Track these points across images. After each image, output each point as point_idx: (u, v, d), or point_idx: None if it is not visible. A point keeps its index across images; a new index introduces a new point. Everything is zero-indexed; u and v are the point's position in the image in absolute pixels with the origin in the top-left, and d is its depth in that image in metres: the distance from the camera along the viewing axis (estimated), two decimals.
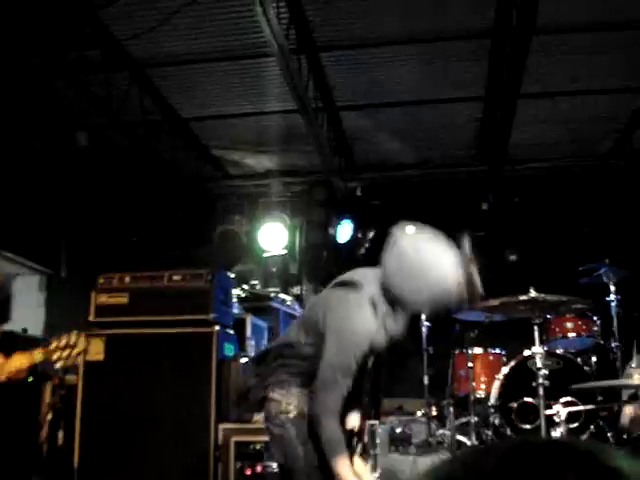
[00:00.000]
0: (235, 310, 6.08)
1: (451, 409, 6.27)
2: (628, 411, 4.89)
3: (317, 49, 6.42)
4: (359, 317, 2.98)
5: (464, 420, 6.44)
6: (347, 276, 3.22)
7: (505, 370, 6.27)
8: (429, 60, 6.62)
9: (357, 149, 8.46)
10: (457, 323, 6.89)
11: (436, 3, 5.81)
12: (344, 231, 8.50)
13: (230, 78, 6.87)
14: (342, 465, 2.91)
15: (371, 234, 8.63)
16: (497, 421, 6.19)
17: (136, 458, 5.17)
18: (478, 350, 6.71)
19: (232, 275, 6.43)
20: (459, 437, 6.23)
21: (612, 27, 6.10)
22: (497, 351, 6.80)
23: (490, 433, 6.25)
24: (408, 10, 5.89)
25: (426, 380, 6.87)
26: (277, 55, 5.83)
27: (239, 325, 5.95)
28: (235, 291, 6.43)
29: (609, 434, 5.89)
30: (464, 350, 6.64)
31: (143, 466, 5.14)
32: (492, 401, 6.26)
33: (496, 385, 6.29)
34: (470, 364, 6.50)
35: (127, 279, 5.57)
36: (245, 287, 7.13)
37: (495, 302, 4.96)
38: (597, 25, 6.08)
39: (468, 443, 6.25)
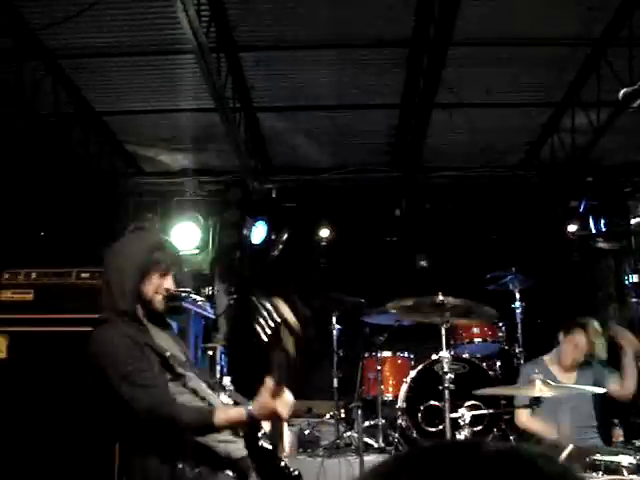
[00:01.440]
0: None
1: (359, 411, 6.35)
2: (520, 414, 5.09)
3: (237, 49, 6.39)
4: (111, 344, 3.05)
5: (372, 422, 6.53)
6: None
7: (413, 374, 6.39)
8: (348, 65, 6.69)
9: (274, 151, 8.46)
10: (367, 327, 6.98)
11: (357, 10, 5.88)
12: (258, 232, 8.48)
13: (147, 73, 6.76)
14: (220, 413, 2.91)
15: (285, 236, 8.65)
16: (404, 423, 6.30)
17: (39, 458, 5.02)
18: (387, 354, 6.81)
19: None
20: (367, 439, 6.31)
21: (525, 43, 6.30)
22: (405, 355, 6.93)
23: (397, 435, 6.35)
24: (329, 15, 5.93)
25: (335, 383, 6.93)
26: (196, 52, 5.77)
27: None
28: None
29: (511, 437, 6.07)
30: (373, 353, 6.73)
31: (45, 465, 5.00)
32: (399, 404, 6.37)
33: (404, 388, 6.40)
34: (379, 367, 6.59)
35: (33, 275, 5.41)
36: None
37: (408, 302, 5.04)
38: (511, 40, 6.27)
39: (375, 445, 6.34)
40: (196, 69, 6.21)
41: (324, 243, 8.82)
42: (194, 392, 3.14)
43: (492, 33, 6.16)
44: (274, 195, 8.70)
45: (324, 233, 8.79)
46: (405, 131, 7.72)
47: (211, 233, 8.75)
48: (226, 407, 3.12)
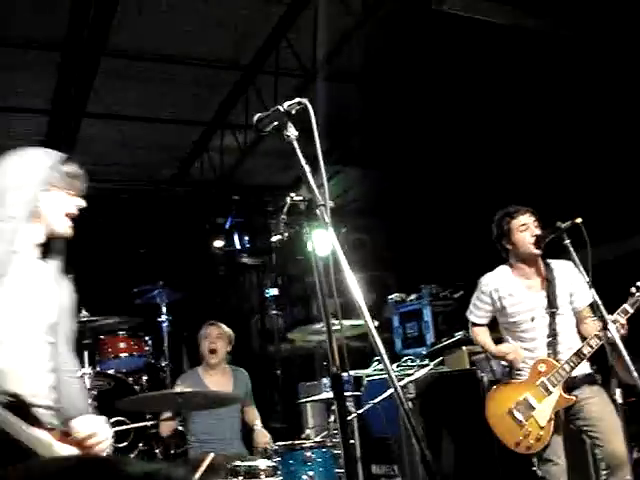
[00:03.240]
0: None
1: None
2: (165, 426, 5.21)
3: None
4: None
5: None
6: None
7: None
8: None
9: None
10: None
11: (5, 5, 5.49)
12: None
13: None
14: None
15: None
16: None
17: None
18: None
19: None
20: None
21: (178, 61, 6.42)
22: None
23: None
24: None
25: None
26: None
27: None
28: None
29: (157, 450, 6.09)
30: None
31: None
32: None
33: None
34: None
35: None
36: None
37: None
38: (165, 57, 6.35)
39: None
40: None
41: None
42: None
43: (147, 47, 6.18)
44: None
45: None
46: (54, 139, 7.40)
47: None
48: None
